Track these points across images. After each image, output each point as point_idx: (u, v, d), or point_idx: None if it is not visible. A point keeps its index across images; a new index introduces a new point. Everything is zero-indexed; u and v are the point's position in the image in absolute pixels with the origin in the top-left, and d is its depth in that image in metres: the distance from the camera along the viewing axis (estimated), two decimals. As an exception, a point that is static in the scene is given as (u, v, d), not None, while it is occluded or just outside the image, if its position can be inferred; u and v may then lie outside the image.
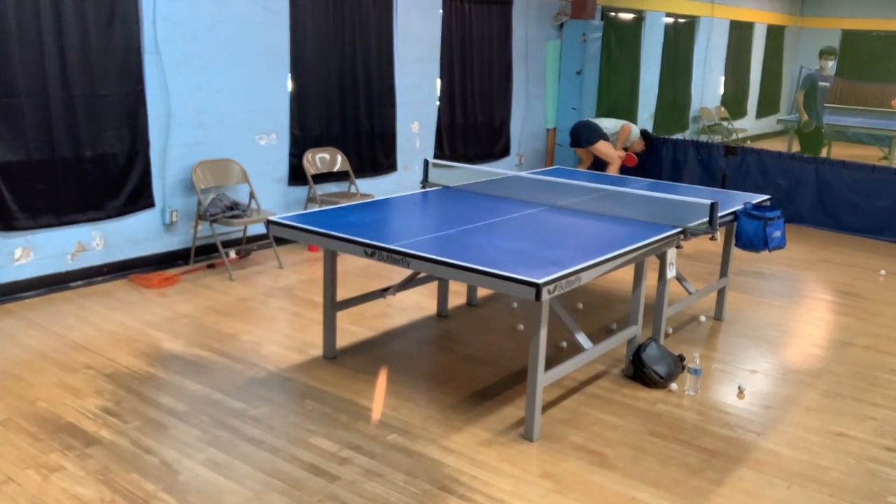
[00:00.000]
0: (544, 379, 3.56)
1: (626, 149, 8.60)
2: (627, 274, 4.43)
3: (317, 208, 5.38)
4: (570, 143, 8.67)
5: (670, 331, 4.97)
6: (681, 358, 4.35)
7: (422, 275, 4.51)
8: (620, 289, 5.76)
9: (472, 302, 5.42)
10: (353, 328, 4.82)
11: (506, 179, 5.73)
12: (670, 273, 4.35)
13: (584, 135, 8.45)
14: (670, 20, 12.18)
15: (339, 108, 7.01)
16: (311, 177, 6.64)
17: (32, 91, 5.00)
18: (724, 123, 13.38)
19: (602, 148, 8.37)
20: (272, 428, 3.60)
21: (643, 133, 8.74)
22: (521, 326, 4.98)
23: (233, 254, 6.10)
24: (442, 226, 4.25)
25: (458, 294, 5.40)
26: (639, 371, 4.19)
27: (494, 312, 5.30)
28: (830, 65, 10.36)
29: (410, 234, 4.02)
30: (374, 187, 7.28)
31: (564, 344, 4.59)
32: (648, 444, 3.59)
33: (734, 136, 13.03)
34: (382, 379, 4.19)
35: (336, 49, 6.89)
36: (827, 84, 10.35)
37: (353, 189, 7.03)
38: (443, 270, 3.50)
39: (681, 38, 12.57)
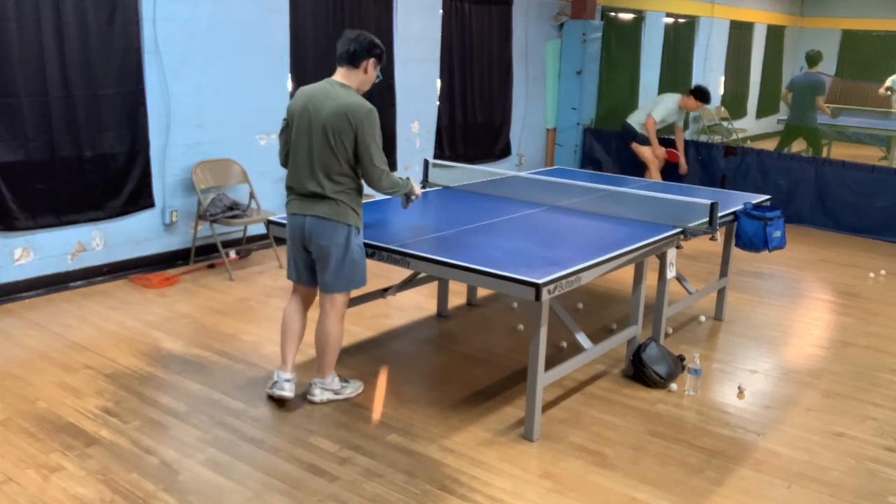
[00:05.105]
0: (544, 379, 3.56)
1: (662, 142, 8.03)
2: (627, 274, 4.43)
3: (317, 208, 5.36)
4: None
5: (670, 331, 4.97)
6: (681, 358, 4.35)
7: (422, 275, 4.51)
8: (620, 289, 5.76)
9: (472, 302, 5.41)
10: (353, 328, 4.82)
11: (506, 179, 5.74)
12: (670, 273, 4.35)
13: (624, 137, 8.25)
14: (670, 20, 12.17)
15: (340, 108, 7.00)
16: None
17: (32, 91, 5.00)
18: (724, 123, 13.37)
19: (637, 150, 8.08)
20: (272, 428, 3.59)
21: (693, 92, 7.82)
22: (521, 326, 4.98)
23: (233, 254, 6.09)
24: (442, 226, 4.26)
25: (458, 294, 5.39)
26: (639, 371, 4.18)
27: (494, 312, 5.29)
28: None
29: (410, 234, 4.02)
30: (374, 187, 7.27)
31: (564, 344, 4.59)
32: (648, 444, 3.59)
33: (734, 136, 13.02)
34: (382, 379, 4.19)
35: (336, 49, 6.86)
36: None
37: (353, 189, 7.02)
38: (443, 270, 3.50)
39: (681, 38, 12.57)
